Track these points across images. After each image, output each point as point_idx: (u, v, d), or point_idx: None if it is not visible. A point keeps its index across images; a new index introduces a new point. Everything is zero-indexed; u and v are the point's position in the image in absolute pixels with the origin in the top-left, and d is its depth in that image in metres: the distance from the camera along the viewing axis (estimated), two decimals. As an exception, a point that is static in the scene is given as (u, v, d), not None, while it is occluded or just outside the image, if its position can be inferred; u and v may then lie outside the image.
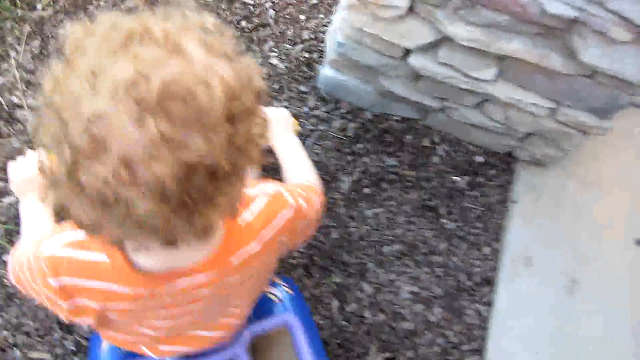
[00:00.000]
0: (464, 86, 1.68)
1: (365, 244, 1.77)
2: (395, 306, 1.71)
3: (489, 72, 1.62)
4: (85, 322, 0.82)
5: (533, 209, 1.95)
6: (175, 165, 0.53)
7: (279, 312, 1.23)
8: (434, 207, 1.86)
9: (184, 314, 0.87)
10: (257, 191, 0.85)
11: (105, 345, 1.14)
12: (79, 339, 1.48)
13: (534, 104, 1.69)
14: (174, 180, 0.53)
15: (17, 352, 1.44)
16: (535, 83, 1.65)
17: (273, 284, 1.30)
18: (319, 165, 1.82)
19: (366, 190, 1.83)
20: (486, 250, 1.85)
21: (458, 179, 1.92)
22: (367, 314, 1.69)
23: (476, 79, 1.65)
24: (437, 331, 1.71)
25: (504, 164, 1.99)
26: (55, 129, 0.54)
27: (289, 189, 0.89)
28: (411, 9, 1.52)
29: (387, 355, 1.65)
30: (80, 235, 0.76)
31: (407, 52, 1.67)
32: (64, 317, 0.83)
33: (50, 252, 0.76)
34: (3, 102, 1.69)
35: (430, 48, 1.62)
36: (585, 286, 1.85)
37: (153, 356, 1.02)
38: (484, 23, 1.47)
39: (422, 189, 1.88)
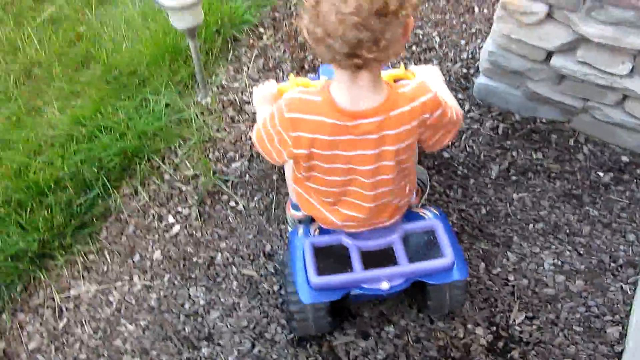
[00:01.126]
0: (601, 82, 1.94)
1: (511, 221, 2.04)
2: (538, 274, 1.93)
3: (624, 67, 1.87)
4: (300, 150, 1.30)
5: (683, 207, 2.05)
6: None
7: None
8: (578, 195, 2.08)
9: (355, 162, 1.31)
10: (412, 80, 1.32)
11: (300, 232, 1.60)
12: (276, 265, 1.95)
13: (673, 98, 1.88)
14: (366, 1, 1.03)
15: (234, 269, 1.97)
16: (671, 77, 1.85)
17: (425, 208, 1.67)
18: (471, 155, 2.17)
19: (513, 178, 2.12)
20: (631, 237, 1.99)
21: (602, 174, 2.12)
22: (511, 277, 1.92)
23: (612, 74, 1.90)
24: (578, 300, 1.88)
25: (651, 165, 2.14)
26: None
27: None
28: (549, 15, 1.87)
29: (530, 314, 1.86)
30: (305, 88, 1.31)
31: (549, 55, 1.99)
32: (286, 154, 1.32)
33: (289, 95, 1.30)
34: (237, 99, 2.39)
35: (568, 49, 1.93)
36: None
37: (334, 220, 1.45)
38: (613, 21, 1.77)
39: (566, 180, 2.11)
